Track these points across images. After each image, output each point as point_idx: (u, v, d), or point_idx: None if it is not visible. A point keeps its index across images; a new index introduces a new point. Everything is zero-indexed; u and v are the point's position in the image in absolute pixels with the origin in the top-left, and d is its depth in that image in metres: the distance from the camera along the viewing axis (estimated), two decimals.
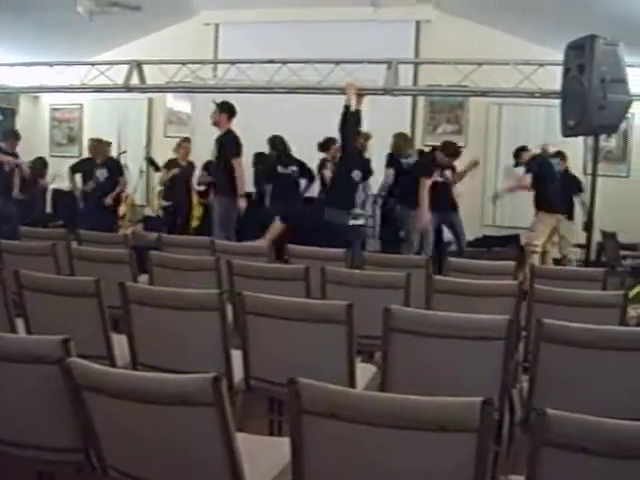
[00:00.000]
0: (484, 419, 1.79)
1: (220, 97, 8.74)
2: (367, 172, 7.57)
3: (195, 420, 1.99)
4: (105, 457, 2.20)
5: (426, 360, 2.89)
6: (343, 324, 2.92)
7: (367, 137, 7.58)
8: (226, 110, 7.34)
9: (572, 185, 8.53)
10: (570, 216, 8.38)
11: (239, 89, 7.56)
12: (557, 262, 8.21)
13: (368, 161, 7.63)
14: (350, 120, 6.70)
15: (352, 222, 7.13)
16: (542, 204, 7.71)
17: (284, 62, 7.29)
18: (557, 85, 5.93)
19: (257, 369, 3.11)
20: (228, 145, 7.34)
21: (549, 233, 7.86)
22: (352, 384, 2.94)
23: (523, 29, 9.37)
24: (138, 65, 7.63)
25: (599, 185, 5.96)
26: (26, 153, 10.36)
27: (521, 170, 8.29)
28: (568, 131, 5.64)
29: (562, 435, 1.70)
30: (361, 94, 6.90)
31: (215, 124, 7.39)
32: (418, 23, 10.52)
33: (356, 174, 7.02)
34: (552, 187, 7.72)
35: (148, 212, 10.97)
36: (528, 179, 7.81)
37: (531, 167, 7.85)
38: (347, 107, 6.74)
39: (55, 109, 12.31)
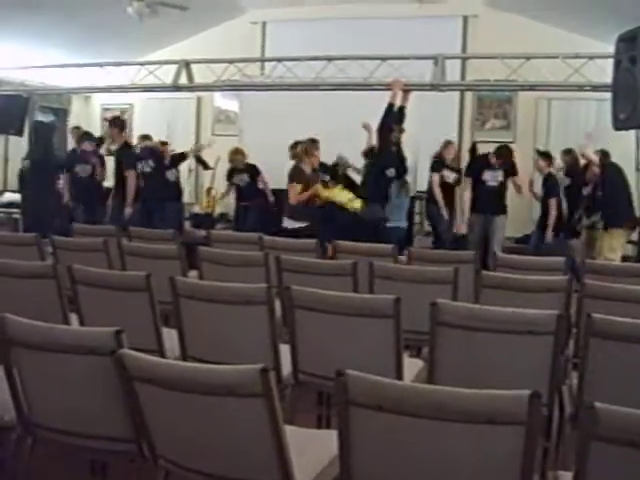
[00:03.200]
0: (532, 412, 1.78)
1: (267, 94, 8.86)
2: (402, 170, 7.54)
3: (243, 411, 2.02)
4: (156, 447, 2.25)
5: (473, 355, 2.88)
6: (390, 318, 2.93)
7: (402, 130, 7.58)
8: (117, 125, 8.18)
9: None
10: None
11: (286, 86, 7.59)
12: None
13: (404, 159, 7.60)
14: (392, 118, 6.71)
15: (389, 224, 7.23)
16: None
17: (330, 59, 7.30)
18: (608, 78, 5.82)
19: (305, 363, 3.13)
20: (123, 159, 8.14)
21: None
22: (399, 378, 2.94)
23: (571, 22, 9.22)
24: (186, 64, 7.71)
25: None
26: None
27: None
28: (619, 124, 5.54)
29: (611, 429, 1.69)
30: (407, 90, 6.90)
31: (111, 139, 8.14)
32: (465, 18, 10.43)
33: (390, 171, 7.08)
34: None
35: (196, 210, 11.07)
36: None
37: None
38: (391, 105, 6.74)
39: (106, 109, 12.50)
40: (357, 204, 7.21)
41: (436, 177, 8.21)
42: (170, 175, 8.89)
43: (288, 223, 7.38)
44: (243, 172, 9.18)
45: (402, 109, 6.83)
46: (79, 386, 2.36)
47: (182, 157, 9.30)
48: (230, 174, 9.31)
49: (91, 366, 2.30)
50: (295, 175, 7.39)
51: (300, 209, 7.23)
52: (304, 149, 7.66)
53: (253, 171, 9.22)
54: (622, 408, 1.71)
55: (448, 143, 8.53)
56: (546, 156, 8.29)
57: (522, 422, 1.79)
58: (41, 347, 2.34)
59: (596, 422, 1.71)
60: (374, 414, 1.90)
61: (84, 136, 9.15)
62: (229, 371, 2.01)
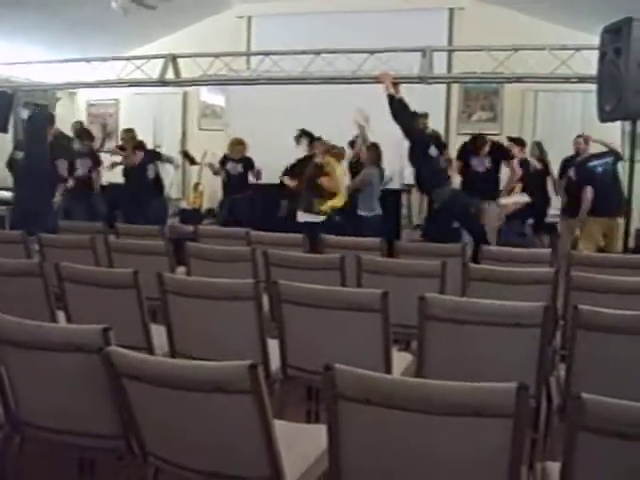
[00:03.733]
0: (519, 404, 1.79)
1: (253, 89, 8.82)
2: (441, 146, 7.55)
3: (232, 407, 2.02)
4: (145, 444, 2.25)
5: (462, 348, 2.89)
6: (378, 312, 2.94)
7: (426, 116, 7.61)
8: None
9: None
10: None
11: (273, 81, 7.57)
12: None
13: (439, 136, 7.62)
14: (400, 107, 6.73)
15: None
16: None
17: (317, 52, 7.27)
18: (594, 70, 5.84)
19: (294, 357, 3.14)
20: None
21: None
22: (388, 372, 2.95)
23: (558, 14, 9.24)
24: (173, 59, 7.67)
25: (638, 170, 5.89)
26: None
27: None
28: (605, 116, 5.57)
29: (598, 420, 1.70)
30: (396, 83, 6.90)
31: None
32: (451, 10, 10.43)
33: (432, 150, 7.03)
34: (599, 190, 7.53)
35: (184, 205, 11.06)
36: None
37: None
38: (391, 96, 6.76)
39: (91, 104, 12.45)
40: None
41: None
42: (150, 172, 8.83)
43: (302, 217, 7.38)
44: (238, 162, 9.13)
45: (401, 99, 6.85)
46: (67, 384, 2.36)
47: (157, 155, 9.28)
48: (223, 161, 9.25)
49: (79, 364, 2.29)
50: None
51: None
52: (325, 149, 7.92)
53: (247, 163, 9.17)
54: (609, 399, 1.72)
55: None
56: (519, 142, 8.35)
57: (510, 414, 1.80)
58: (28, 345, 2.33)
59: (583, 413, 1.72)
60: (362, 408, 1.90)
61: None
62: (217, 367, 2.01)
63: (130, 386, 2.15)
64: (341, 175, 7.91)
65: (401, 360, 3.26)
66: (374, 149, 7.93)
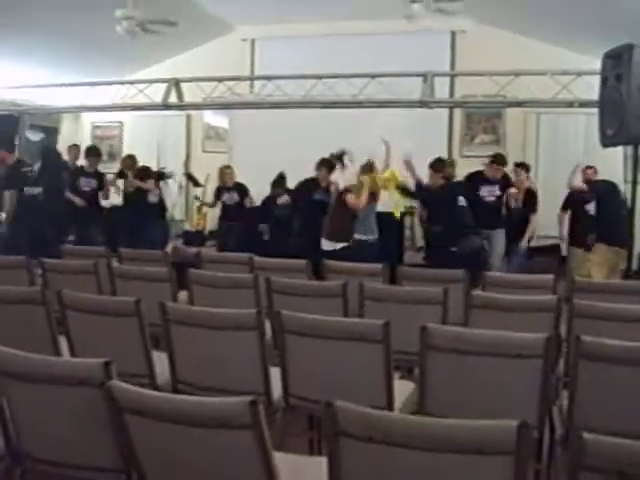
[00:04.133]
0: (520, 441, 1.78)
1: (258, 111, 8.87)
2: (468, 192, 7.59)
3: (233, 442, 2.02)
4: (146, 478, 2.24)
5: (464, 378, 2.89)
6: (380, 343, 2.94)
7: (452, 164, 7.64)
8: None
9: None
10: None
11: (275, 104, 7.62)
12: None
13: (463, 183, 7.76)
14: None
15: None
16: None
17: (319, 77, 7.33)
18: (596, 94, 5.87)
19: (296, 387, 3.13)
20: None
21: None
22: (390, 402, 2.95)
23: (559, 37, 9.29)
24: (176, 83, 7.73)
25: None
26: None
27: None
28: (607, 141, 5.59)
29: (599, 459, 1.69)
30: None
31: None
32: (453, 34, 10.49)
33: (461, 200, 7.16)
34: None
35: (187, 227, 11.08)
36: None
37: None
38: (419, 185, 7.18)
39: (96, 127, 12.51)
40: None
41: None
42: (151, 197, 8.89)
43: (326, 245, 7.41)
44: (232, 190, 9.22)
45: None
46: (68, 417, 2.35)
47: (161, 175, 9.34)
48: (218, 193, 9.34)
49: (80, 397, 2.29)
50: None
51: (339, 230, 7.30)
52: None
53: (242, 190, 9.26)
54: (610, 438, 1.71)
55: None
56: (524, 167, 8.38)
57: (511, 452, 1.80)
58: (30, 378, 2.33)
59: (584, 452, 1.71)
60: (363, 445, 1.90)
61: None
62: (218, 403, 2.01)
63: (131, 420, 2.15)
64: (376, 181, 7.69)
65: (403, 389, 3.25)
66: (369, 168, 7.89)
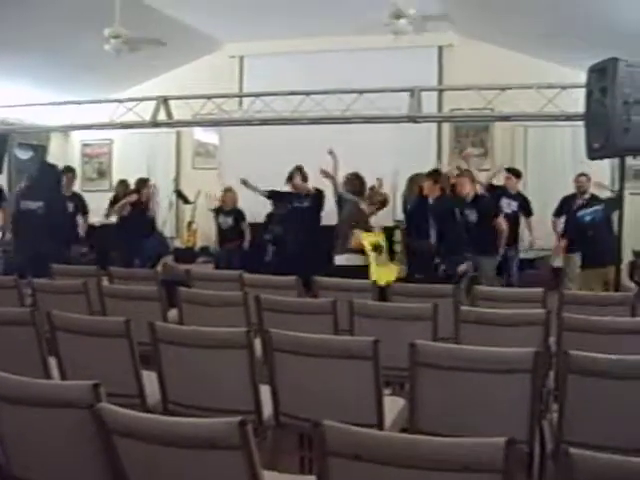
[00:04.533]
0: (508, 458, 1.79)
1: (246, 129, 8.90)
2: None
3: (223, 463, 2.01)
4: None
5: (453, 394, 2.89)
6: (370, 360, 2.94)
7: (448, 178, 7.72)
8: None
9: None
10: None
11: (264, 121, 7.64)
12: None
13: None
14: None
15: None
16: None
17: (307, 93, 7.35)
18: (581, 107, 5.91)
19: (286, 405, 3.13)
20: None
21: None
22: (380, 419, 2.95)
23: (545, 51, 9.37)
24: (164, 101, 7.74)
25: (629, 203, 5.96)
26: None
27: None
28: (593, 154, 5.61)
29: (586, 474, 1.70)
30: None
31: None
32: (440, 48, 10.57)
33: (458, 214, 7.30)
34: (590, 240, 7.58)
35: (177, 244, 11.07)
36: None
37: None
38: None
39: (85, 145, 12.51)
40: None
41: None
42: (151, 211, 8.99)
43: (339, 260, 7.40)
44: (229, 215, 9.33)
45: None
46: (58, 439, 2.35)
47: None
48: (217, 212, 9.44)
49: (70, 419, 2.28)
50: (358, 216, 7.59)
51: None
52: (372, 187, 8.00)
53: (238, 215, 9.39)
54: (598, 454, 1.72)
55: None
56: (516, 173, 8.46)
57: (499, 469, 1.80)
58: (18, 400, 2.32)
59: (572, 468, 1.72)
60: (352, 464, 1.90)
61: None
62: (207, 424, 2.01)
63: (120, 442, 2.15)
64: None
65: (393, 405, 3.25)
66: (357, 180, 7.90)
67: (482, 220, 7.53)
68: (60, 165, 9.66)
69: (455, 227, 7.18)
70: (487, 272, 7.57)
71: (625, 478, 1.69)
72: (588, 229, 7.55)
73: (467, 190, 7.58)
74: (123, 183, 9.66)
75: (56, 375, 3.50)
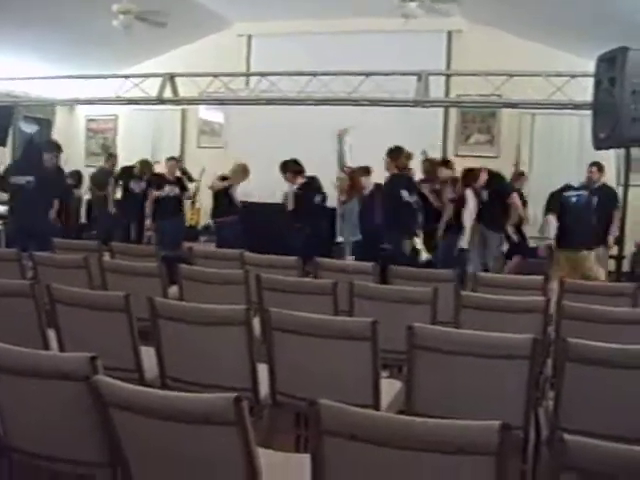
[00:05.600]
0: (502, 442, 1.79)
1: (252, 108, 8.88)
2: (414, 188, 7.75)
3: (218, 438, 2.02)
4: (132, 473, 2.24)
5: (450, 378, 2.90)
6: (368, 341, 2.94)
7: (409, 156, 7.68)
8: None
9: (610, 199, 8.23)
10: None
11: (270, 101, 7.61)
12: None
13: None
14: None
15: None
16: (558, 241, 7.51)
17: (314, 74, 7.33)
18: (589, 95, 5.88)
19: (283, 384, 3.14)
20: None
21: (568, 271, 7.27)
22: (376, 401, 2.96)
23: (554, 39, 9.32)
24: (171, 78, 7.72)
25: (632, 196, 5.94)
26: (62, 163, 10.56)
27: None
28: (600, 143, 5.60)
29: (580, 461, 1.70)
30: None
31: None
32: (449, 33, 10.53)
33: (405, 194, 7.28)
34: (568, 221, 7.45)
35: None
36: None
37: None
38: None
39: (90, 120, 12.49)
40: None
41: None
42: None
43: None
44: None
45: None
46: (55, 410, 2.35)
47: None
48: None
49: (67, 391, 2.29)
50: None
51: None
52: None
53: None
54: (592, 441, 1.72)
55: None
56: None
57: (493, 452, 1.80)
58: (15, 371, 2.33)
59: (565, 454, 1.72)
60: (347, 443, 1.90)
61: None
62: (203, 399, 2.01)
63: (116, 415, 2.15)
64: None
65: (390, 387, 3.26)
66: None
67: (493, 199, 7.78)
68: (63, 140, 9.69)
69: (399, 207, 7.27)
70: (491, 247, 7.76)
71: (619, 465, 1.69)
72: (571, 210, 7.54)
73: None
74: (147, 163, 9.68)
75: (55, 347, 3.51)
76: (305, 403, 1.99)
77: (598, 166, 8.16)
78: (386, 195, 7.45)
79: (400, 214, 7.25)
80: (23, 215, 7.54)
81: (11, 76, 8.96)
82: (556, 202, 7.49)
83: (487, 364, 2.82)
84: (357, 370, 2.99)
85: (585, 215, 7.46)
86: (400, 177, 7.45)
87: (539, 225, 8.32)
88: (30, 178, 7.54)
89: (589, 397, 2.78)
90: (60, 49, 9.99)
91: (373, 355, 2.95)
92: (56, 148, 8.50)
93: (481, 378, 2.85)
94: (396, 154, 7.49)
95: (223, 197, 8.84)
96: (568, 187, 7.66)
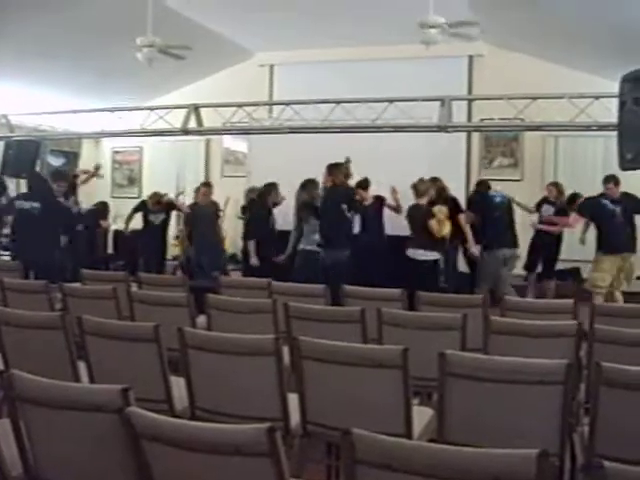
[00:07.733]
0: (540, 471, 1.76)
1: (275, 137, 8.93)
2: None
3: (251, 470, 2.00)
4: None
5: (483, 405, 2.86)
6: (399, 369, 2.92)
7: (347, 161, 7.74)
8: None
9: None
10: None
11: (293, 129, 7.66)
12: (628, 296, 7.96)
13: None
14: None
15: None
16: (601, 246, 7.60)
17: (337, 102, 7.37)
18: (613, 116, 5.85)
19: (314, 413, 3.12)
20: None
21: (616, 273, 7.58)
22: (408, 429, 2.93)
23: (576, 60, 9.30)
24: (195, 109, 7.80)
25: None
26: (89, 195, 10.71)
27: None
28: (626, 165, 5.57)
29: None
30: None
31: None
32: (471, 58, 10.54)
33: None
34: (611, 227, 7.54)
35: None
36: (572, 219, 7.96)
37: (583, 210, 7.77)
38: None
39: (116, 152, 12.64)
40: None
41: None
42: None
43: (413, 253, 7.55)
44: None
45: None
46: (87, 442, 2.36)
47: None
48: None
49: (98, 423, 2.29)
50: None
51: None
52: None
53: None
54: (632, 468, 1.69)
55: None
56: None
57: None
58: (48, 404, 2.34)
59: None
60: (381, 473, 1.88)
61: None
62: (235, 430, 2.00)
63: (149, 447, 2.15)
64: None
65: (422, 416, 3.22)
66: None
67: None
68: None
69: (337, 220, 7.34)
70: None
71: None
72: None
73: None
74: (155, 195, 9.79)
75: (85, 379, 3.52)
76: (337, 433, 1.98)
77: (615, 180, 8.09)
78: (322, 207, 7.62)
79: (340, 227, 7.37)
80: (26, 246, 7.33)
81: (38, 110, 9.12)
82: (592, 207, 7.67)
83: (521, 390, 2.79)
84: (388, 398, 2.97)
85: (620, 222, 7.61)
86: (338, 191, 7.50)
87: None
88: (36, 204, 7.44)
89: (625, 422, 2.74)
90: (86, 83, 10.15)
91: (404, 383, 2.93)
92: (63, 178, 8.58)
93: (514, 404, 2.81)
94: (333, 169, 7.59)
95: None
96: (604, 195, 7.73)
